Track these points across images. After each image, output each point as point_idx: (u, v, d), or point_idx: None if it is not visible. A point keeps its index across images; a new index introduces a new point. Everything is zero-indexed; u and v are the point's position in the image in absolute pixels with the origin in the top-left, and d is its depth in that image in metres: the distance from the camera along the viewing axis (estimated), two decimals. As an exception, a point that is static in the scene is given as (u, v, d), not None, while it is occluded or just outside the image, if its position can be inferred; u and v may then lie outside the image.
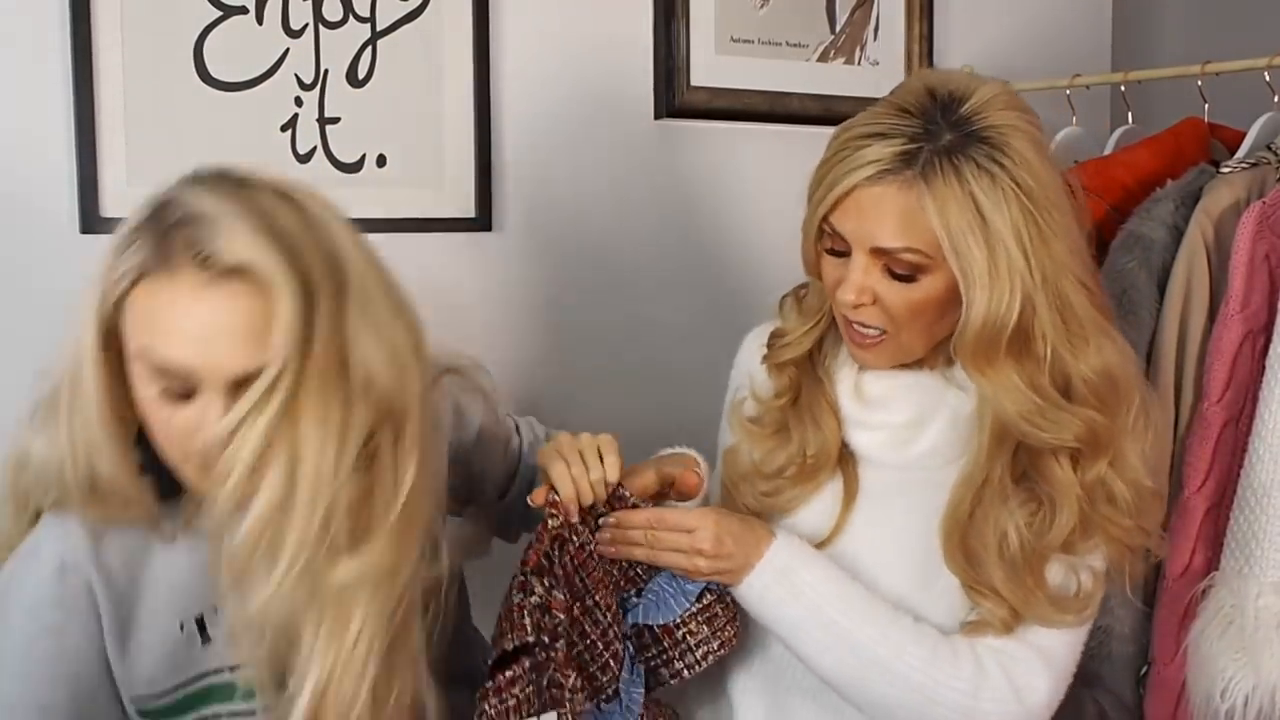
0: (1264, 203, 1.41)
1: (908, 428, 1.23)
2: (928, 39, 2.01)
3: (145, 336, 0.98)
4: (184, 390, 0.99)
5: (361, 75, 1.63)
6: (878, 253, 1.14)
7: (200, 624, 1.12)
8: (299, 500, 0.98)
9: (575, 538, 1.17)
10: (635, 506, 1.20)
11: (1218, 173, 1.53)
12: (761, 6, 1.89)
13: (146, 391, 1.01)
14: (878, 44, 1.99)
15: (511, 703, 1.10)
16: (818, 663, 1.20)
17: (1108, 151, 1.78)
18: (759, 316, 1.38)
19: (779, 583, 1.19)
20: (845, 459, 1.27)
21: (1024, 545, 1.15)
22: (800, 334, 1.28)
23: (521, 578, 1.13)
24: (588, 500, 1.18)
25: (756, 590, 1.19)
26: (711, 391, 1.45)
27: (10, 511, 1.12)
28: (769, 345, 1.32)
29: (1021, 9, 2.14)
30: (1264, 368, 1.37)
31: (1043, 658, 1.18)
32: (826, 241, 1.19)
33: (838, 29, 1.96)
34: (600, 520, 1.20)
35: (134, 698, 1.11)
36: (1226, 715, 1.33)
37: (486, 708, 1.10)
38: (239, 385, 0.98)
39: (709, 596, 1.21)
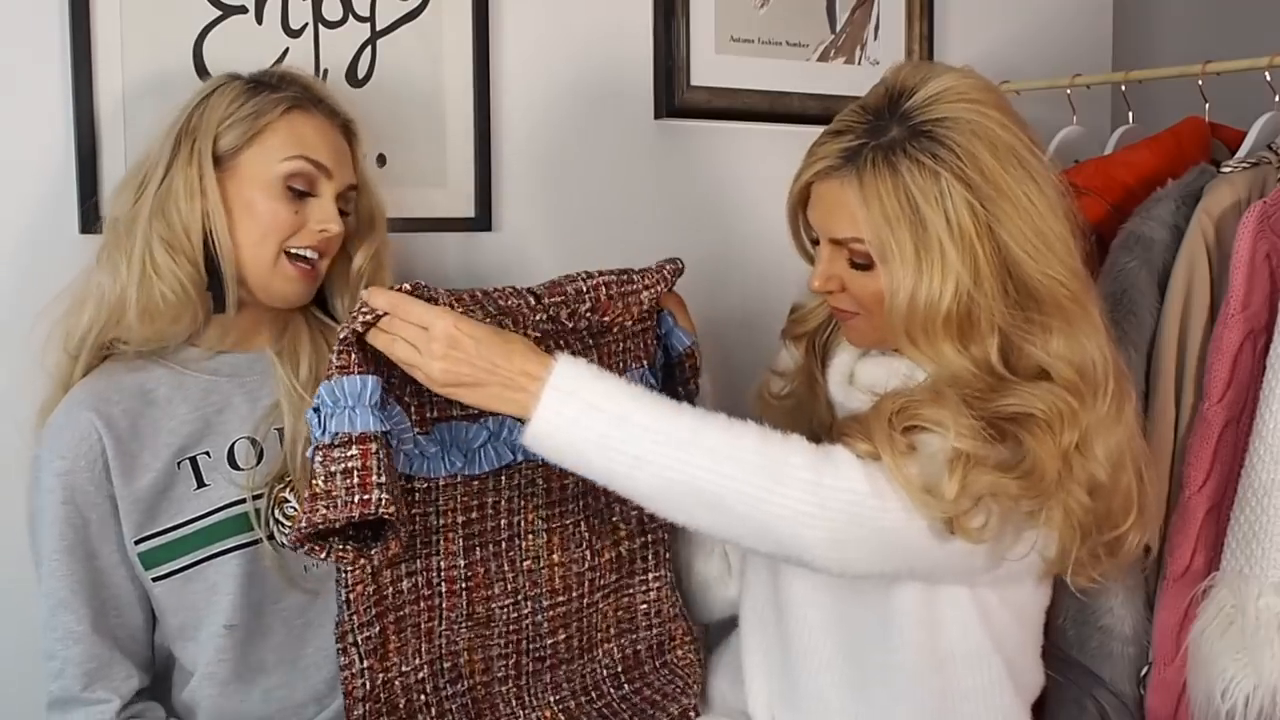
0: (1265, 202, 1.41)
1: None
2: (928, 39, 2.01)
3: (297, 148, 1.32)
4: (309, 189, 1.33)
5: (361, 75, 1.63)
6: (836, 243, 1.22)
7: (195, 464, 1.32)
8: None
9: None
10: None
11: (1218, 172, 1.53)
12: (761, 6, 1.89)
13: (271, 200, 1.31)
14: (878, 44, 1.99)
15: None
16: (640, 481, 1.12)
17: (1108, 151, 1.78)
18: (759, 315, 1.39)
19: (568, 402, 1.10)
20: None
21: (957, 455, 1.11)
22: (812, 307, 1.38)
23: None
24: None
25: (547, 415, 1.10)
26: (712, 391, 1.45)
27: (60, 360, 1.35)
28: (788, 319, 1.42)
29: (1022, 9, 2.14)
30: (1265, 368, 1.37)
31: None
32: (810, 231, 1.28)
33: (838, 29, 1.96)
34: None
35: (139, 538, 1.30)
36: (1227, 716, 1.33)
37: None
38: (342, 195, 1.36)
39: None
